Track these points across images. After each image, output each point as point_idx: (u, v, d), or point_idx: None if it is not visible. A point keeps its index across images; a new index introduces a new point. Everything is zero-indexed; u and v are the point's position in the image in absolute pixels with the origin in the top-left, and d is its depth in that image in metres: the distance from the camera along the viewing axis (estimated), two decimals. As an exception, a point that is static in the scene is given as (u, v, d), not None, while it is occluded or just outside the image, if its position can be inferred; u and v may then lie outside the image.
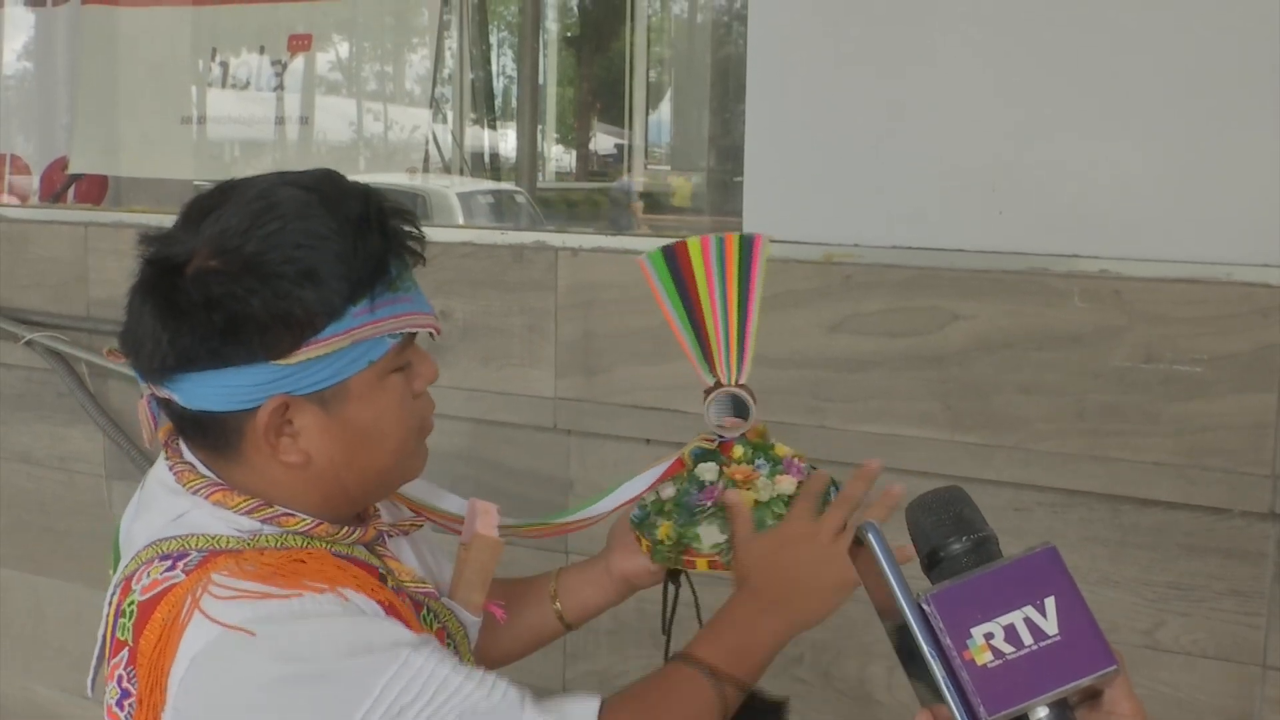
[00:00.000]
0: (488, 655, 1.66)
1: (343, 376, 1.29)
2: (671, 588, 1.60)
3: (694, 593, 1.59)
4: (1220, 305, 1.86)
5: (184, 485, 1.36)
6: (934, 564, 0.89)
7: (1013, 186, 2.00)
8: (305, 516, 1.34)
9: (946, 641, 0.82)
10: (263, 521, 1.33)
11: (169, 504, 1.36)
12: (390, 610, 1.32)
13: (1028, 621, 0.82)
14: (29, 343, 2.97)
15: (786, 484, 1.46)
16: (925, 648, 0.83)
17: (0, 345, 3.05)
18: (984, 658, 0.82)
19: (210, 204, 1.31)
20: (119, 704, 1.30)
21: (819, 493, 1.47)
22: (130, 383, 2.88)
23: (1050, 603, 0.83)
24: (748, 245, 1.50)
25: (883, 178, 2.10)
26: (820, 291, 2.11)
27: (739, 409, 1.49)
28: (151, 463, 1.47)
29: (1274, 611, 1.89)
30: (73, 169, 3.41)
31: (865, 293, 2.08)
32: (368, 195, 1.32)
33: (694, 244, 1.51)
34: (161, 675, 1.24)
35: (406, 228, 1.34)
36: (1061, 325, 1.95)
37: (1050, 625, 0.82)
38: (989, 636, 0.82)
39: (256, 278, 1.24)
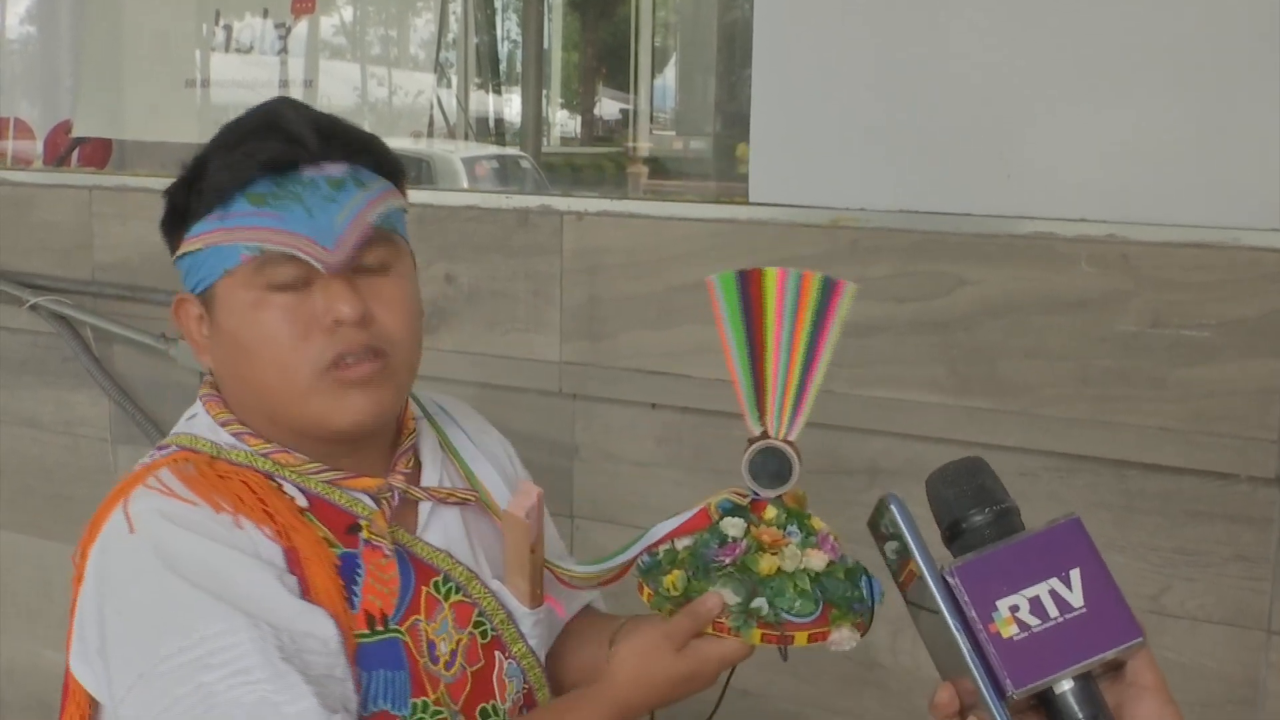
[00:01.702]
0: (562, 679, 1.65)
1: (208, 282, 1.38)
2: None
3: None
4: (1228, 270, 1.85)
5: (201, 390, 1.49)
6: (955, 536, 0.89)
7: (1020, 151, 1.99)
8: (266, 442, 1.42)
9: (972, 614, 0.82)
10: (234, 436, 1.43)
11: (193, 406, 1.50)
12: (292, 558, 1.35)
13: (1053, 593, 0.83)
14: (34, 307, 2.96)
15: (816, 559, 1.31)
16: (951, 620, 0.82)
17: (5, 310, 3.05)
18: (1009, 630, 0.82)
19: None
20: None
21: (707, 616, 1.31)
22: (136, 348, 2.88)
23: (1075, 574, 0.84)
24: (828, 289, 1.33)
25: (890, 142, 2.09)
26: (827, 256, 2.10)
27: (782, 467, 1.34)
28: (156, 425, 1.57)
29: (1279, 577, 1.89)
30: (77, 133, 3.40)
31: (872, 257, 2.07)
32: (279, 108, 1.40)
33: (770, 274, 1.33)
34: (88, 545, 1.37)
35: (286, 145, 1.36)
36: (1069, 290, 1.94)
37: (1076, 597, 0.83)
38: (1014, 609, 0.82)
39: (181, 172, 1.41)
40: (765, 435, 1.35)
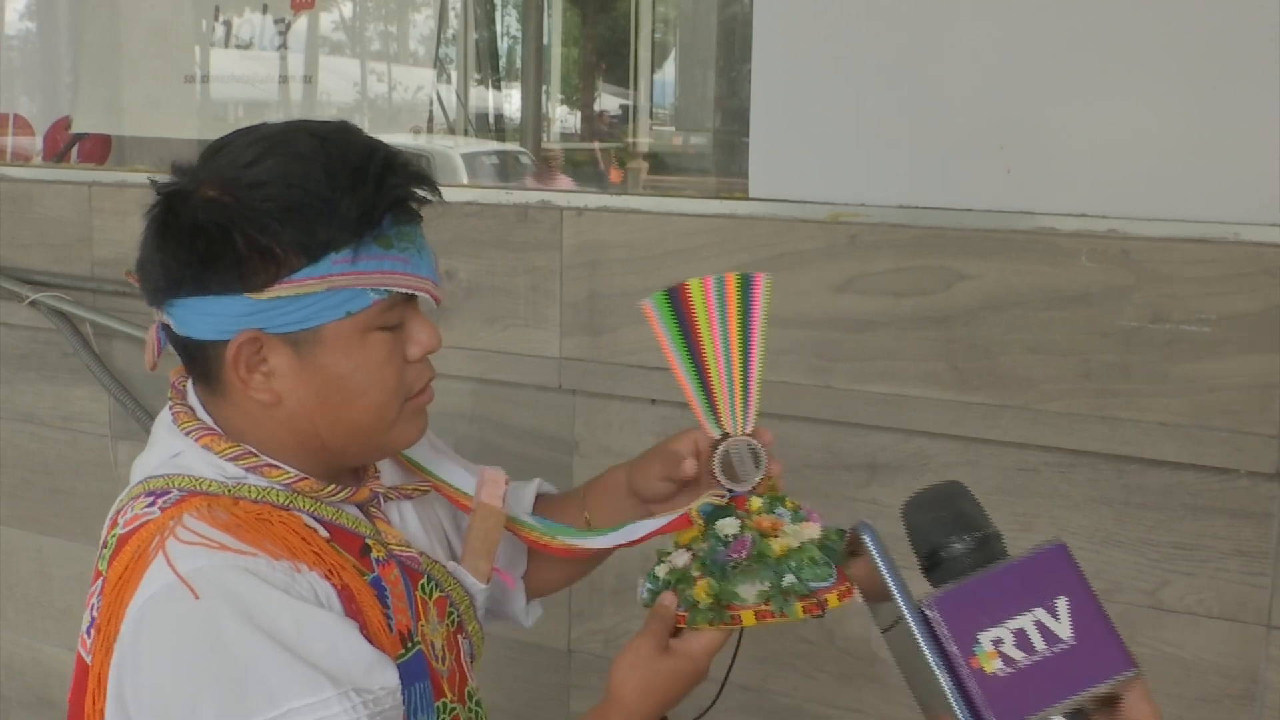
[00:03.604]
0: (539, 587, 1.71)
1: (316, 322, 1.30)
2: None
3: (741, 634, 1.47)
4: (1228, 265, 1.85)
5: (179, 426, 1.38)
6: (934, 565, 0.85)
7: (1021, 145, 1.99)
8: (289, 469, 1.36)
9: (952, 649, 0.78)
10: (247, 470, 1.35)
11: (167, 443, 1.39)
12: (346, 596, 1.32)
13: (1039, 625, 0.78)
14: (33, 303, 2.96)
15: (812, 529, 1.37)
16: (930, 656, 0.78)
17: (4, 305, 3.05)
18: (993, 665, 0.77)
19: (226, 140, 1.35)
20: (88, 630, 1.34)
21: (667, 618, 1.38)
22: (135, 343, 2.88)
23: (1062, 604, 0.79)
24: (748, 285, 1.41)
25: (890, 137, 2.09)
26: (826, 251, 2.10)
27: (754, 460, 1.41)
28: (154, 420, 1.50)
29: (1279, 572, 1.89)
30: (76, 129, 3.40)
31: (872, 252, 2.07)
32: (374, 148, 1.33)
33: (695, 285, 1.42)
34: (120, 608, 1.27)
35: (410, 187, 1.33)
36: (1069, 285, 1.94)
37: (1063, 628, 0.78)
38: (998, 642, 0.78)
39: (241, 209, 1.27)
40: (726, 435, 1.42)
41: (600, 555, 1.64)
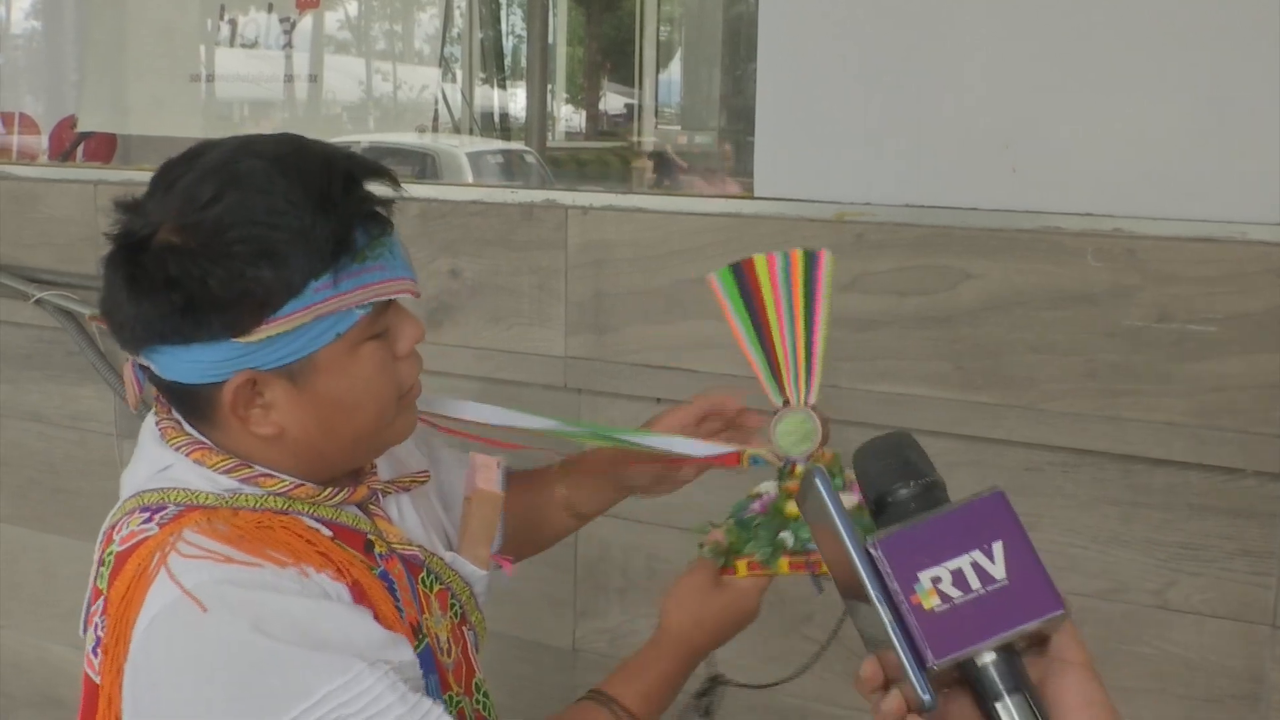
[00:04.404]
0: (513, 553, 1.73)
1: (309, 351, 1.29)
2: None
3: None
4: (1235, 265, 1.85)
5: (168, 440, 1.37)
6: (881, 509, 0.89)
7: (1026, 144, 1.99)
8: (285, 478, 1.35)
9: (894, 586, 0.82)
10: (241, 481, 1.34)
11: (156, 455, 1.38)
12: (357, 593, 1.32)
13: (975, 566, 0.82)
14: (39, 301, 2.97)
15: (846, 500, 1.41)
16: (873, 592, 0.82)
17: (10, 304, 3.05)
18: (931, 602, 0.82)
19: (177, 172, 1.31)
20: (94, 650, 1.32)
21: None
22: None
23: (998, 547, 0.83)
24: (812, 261, 1.48)
25: (895, 136, 2.08)
26: (831, 250, 2.09)
27: (807, 429, 1.48)
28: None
29: (1285, 572, 1.89)
30: (81, 127, 3.40)
31: (876, 252, 2.07)
32: (331, 164, 1.30)
33: (760, 260, 1.50)
34: (126, 628, 1.26)
35: (373, 195, 1.32)
36: (1074, 284, 1.94)
37: (998, 570, 0.82)
38: (936, 581, 0.82)
39: (212, 257, 1.24)
40: (786, 404, 1.49)
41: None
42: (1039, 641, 0.85)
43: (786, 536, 1.41)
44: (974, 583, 0.82)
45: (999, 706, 0.82)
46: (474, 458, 1.61)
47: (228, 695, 1.21)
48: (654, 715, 1.47)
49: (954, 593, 0.82)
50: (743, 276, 1.50)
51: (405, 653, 1.31)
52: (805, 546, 1.40)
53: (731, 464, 1.51)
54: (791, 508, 1.42)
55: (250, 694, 1.20)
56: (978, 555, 0.83)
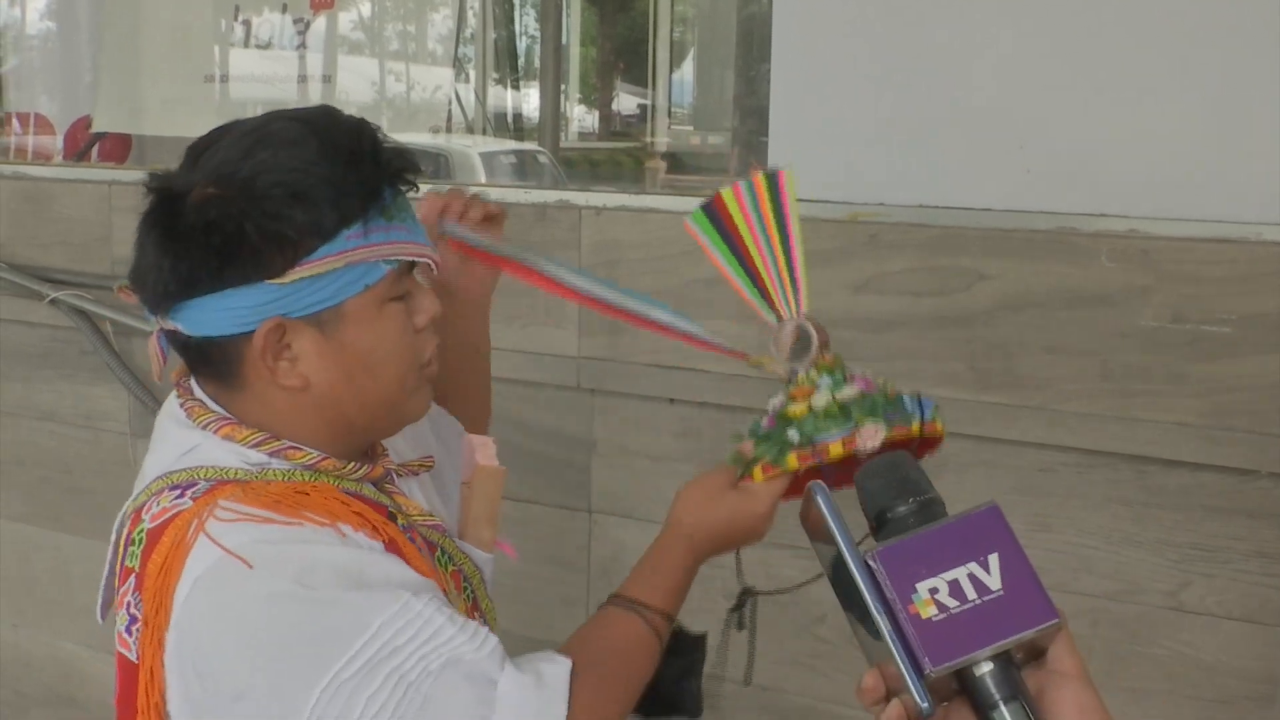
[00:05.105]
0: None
1: (338, 299, 1.32)
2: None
3: (738, 556, 1.61)
4: (1249, 265, 1.84)
5: (194, 420, 1.38)
6: (881, 525, 0.91)
7: (1040, 145, 1.99)
8: (311, 450, 1.37)
9: (892, 596, 0.84)
10: (270, 455, 1.36)
11: (180, 438, 1.39)
12: (392, 549, 1.33)
13: (971, 577, 0.84)
14: (53, 301, 2.98)
15: (849, 391, 1.45)
16: (872, 603, 0.84)
17: (25, 304, 3.06)
18: (928, 611, 0.83)
19: (209, 140, 1.37)
20: (128, 629, 1.33)
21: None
22: (154, 341, 2.89)
23: (994, 559, 0.85)
24: (774, 182, 1.52)
25: (909, 137, 2.08)
26: (846, 251, 2.10)
27: (804, 339, 1.51)
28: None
29: (1300, 573, 1.89)
30: (96, 128, 3.41)
31: (891, 252, 2.07)
32: (361, 127, 1.37)
33: (728, 194, 1.54)
34: (166, 596, 1.27)
35: (401, 158, 1.37)
36: (1088, 285, 1.94)
37: (993, 580, 0.84)
38: (933, 591, 0.84)
39: (249, 200, 1.29)
40: (780, 320, 1.52)
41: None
42: (1036, 654, 0.87)
43: (792, 434, 1.44)
44: (970, 593, 0.84)
45: (995, 715, 0.84)
46: (469, 438, 1.63)
47: (281, 648, 1.22)
48: (679, 607, 1.50)
49: (951, 603, 0.84)
50: (715, 214, 1.55)
51: (439, 593, 1.32)
52: (811, 440, 1.43)
53: (742, 358, 1.55)
54: (794, 408, 1.45)
55: (305, 643, 1.22)
56: (974, 567, 0.84)
